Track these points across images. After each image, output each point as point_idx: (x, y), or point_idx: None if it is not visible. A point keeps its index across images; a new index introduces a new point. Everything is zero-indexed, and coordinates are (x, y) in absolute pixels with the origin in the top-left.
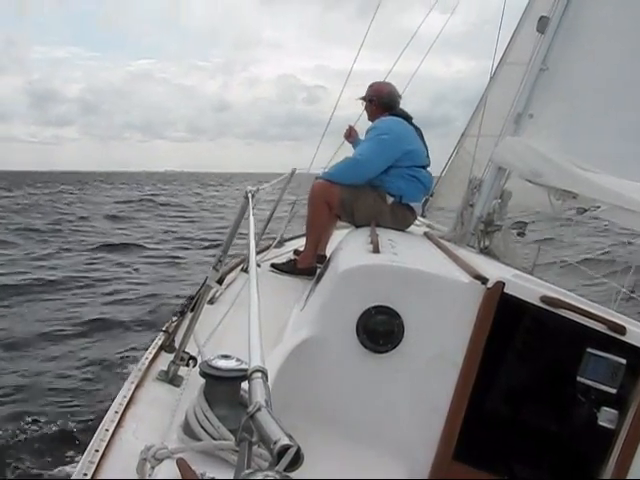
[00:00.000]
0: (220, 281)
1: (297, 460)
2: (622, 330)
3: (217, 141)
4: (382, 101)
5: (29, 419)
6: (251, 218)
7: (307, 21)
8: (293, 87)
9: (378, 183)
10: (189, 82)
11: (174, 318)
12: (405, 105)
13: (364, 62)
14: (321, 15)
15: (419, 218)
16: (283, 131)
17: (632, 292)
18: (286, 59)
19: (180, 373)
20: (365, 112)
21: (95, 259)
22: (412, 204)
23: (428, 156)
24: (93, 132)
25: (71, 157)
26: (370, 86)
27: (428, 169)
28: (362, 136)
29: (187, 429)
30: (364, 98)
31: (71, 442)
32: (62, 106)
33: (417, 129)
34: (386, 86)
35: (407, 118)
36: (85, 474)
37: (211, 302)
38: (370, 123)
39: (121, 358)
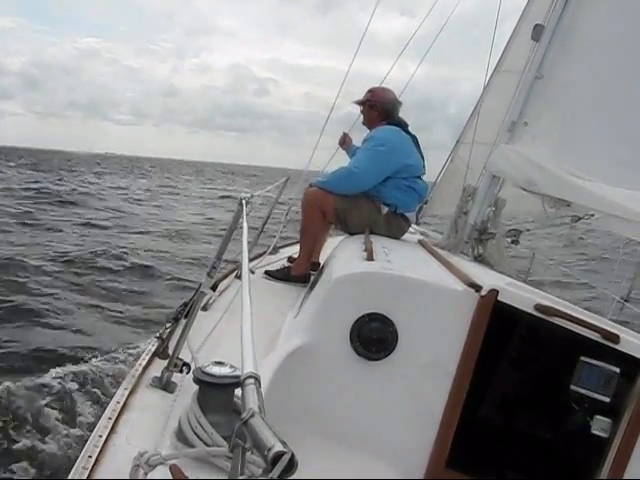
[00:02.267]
0: (214, 288)
1: (291, 467)
2: (616, 339)
3: (162, 127)
4: (385, 107)
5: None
6: (245, 225)
7: (264, 12)
8: (244, 78)
9: (374, 193)
10: (138, 64)
11: (168, 324)
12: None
13: (316, 58)
14: (278, 8)
15: (413, 226)
16: (229, 121)
17: (626, 301)
18: (239, 49)
19: (173, 379)
20: (362, 117)
21: None
22: (406, 214)
23: (424, 165)
24: (35, 108)
25: (9, 132)
26: (370, 91)
27: (423, 177)
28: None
29: (180, 435)
30: (362, 103)
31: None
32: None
33: (413, 137)
34: (388, 93)
35: (404, 126)
36: None
37: (205, 309)
38: (363, 126)
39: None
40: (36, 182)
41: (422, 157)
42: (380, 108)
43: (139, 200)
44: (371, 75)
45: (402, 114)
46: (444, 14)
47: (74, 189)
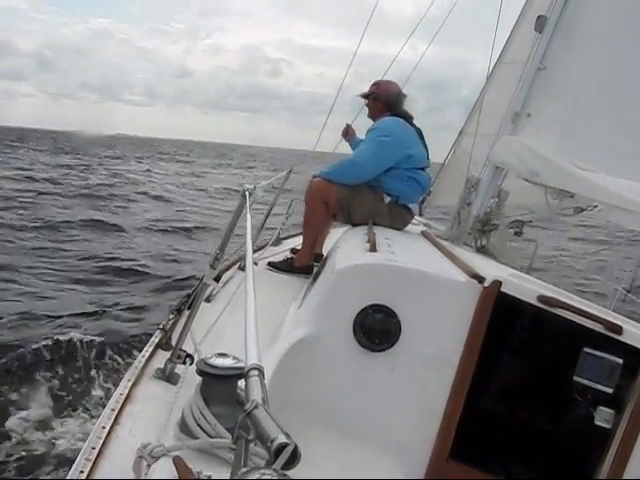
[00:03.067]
0: (217, 279)
1: (294, 458)
2: (619, 330)
3: (174, 108)
4: (389, 100)
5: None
6: (248, 216)
7: None
8: (257, 59)
9: (376, 183)
10: (151, 45)
11: (171, 316)
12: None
13: (326, 38)
14: None
15: (416, 217)
16: (241, 102)
17: (628, 292)
18: (252, 29)
19: (177, 371)
20: (366, 109)
21: None
22: (409, 205)
23: (428, 157)
24: (47, 89)
25: (22, 112)
26: (375, 84)
27: (427, 169)
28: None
29: (184, 427)
30: (366, 96)
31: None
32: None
33: (417, 129)
34: (393, 85)
35: (408, 118)
36: (82, 472)
37: (208, 300)
38: (369, 119)
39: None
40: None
41: (426, 149)
42: (384, 101)
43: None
44: (383, 56)
45: (414, 95)
46: None
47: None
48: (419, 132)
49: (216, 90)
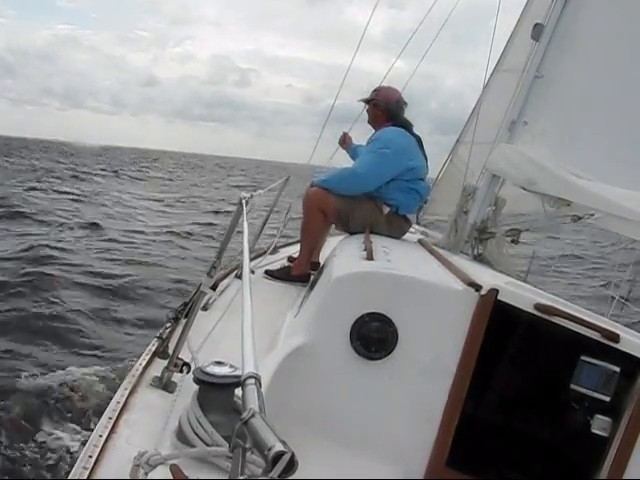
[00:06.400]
0: (214, 287)
1: (291, 466)
2: (616, 338)
3: (139, 116)
4: (389, 107)
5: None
6: (245, 225)
7: (249, 3)
8: (225, 68)
9: (376, 194)
10: (118, 53)
11: (168, 324)
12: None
13: (292, 49)
14: None
15: (413, 225)
16: (207, 112)
17: (626, 300)
18: (222, 39)
19: (174, 379)
20: (367, 115)
21: None
22: (408, 215)
23: (427, 166)
24: (9, 95)
25: None
26: (376, 90)
27: (426, 179)
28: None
29: (180, 435)
30: (367, 101)
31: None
32: None
33: (417, 138)
34: (395, 93)
35: (408, 126)
36: None
37: (205, 308)
38: (367, 125)
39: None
40: None
41: (425, 158)
42: (384, 107)
43: None
44: (357, 69)
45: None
46: (438, 9)
47: None
48: (419, 140)
49: (183, 99)
